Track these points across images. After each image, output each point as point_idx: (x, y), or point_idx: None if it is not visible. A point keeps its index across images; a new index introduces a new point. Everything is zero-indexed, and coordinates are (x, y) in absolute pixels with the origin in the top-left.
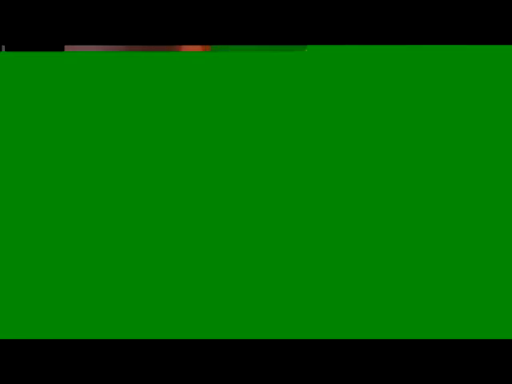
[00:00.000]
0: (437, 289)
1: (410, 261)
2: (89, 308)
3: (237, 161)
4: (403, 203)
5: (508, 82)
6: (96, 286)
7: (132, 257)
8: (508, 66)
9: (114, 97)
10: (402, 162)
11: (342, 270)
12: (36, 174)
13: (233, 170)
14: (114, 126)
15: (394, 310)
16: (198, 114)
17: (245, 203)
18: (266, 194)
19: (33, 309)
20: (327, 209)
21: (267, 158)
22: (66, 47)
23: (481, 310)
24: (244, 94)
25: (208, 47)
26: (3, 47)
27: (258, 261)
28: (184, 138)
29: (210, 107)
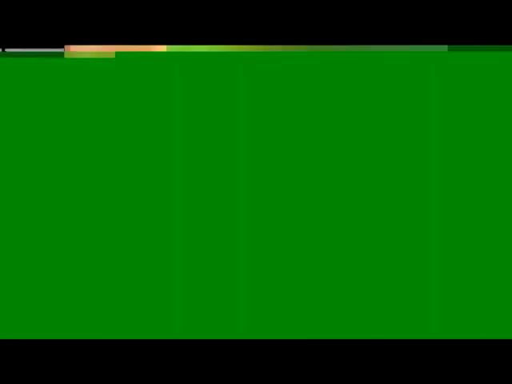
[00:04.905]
0: (437, 289)
1: (411, 261)
2: (89, 308)
3: (235, 162)
4: (403, 204)
5: (506, 87)
6: (96, 287)
7: (132, 257)
8: (507, 72)
9: (112, 100)
10: (402, 164)
11: (342, 270)
12: (35, 176)
13: (231, 171)
14: (112, 128)
15: (394, 309)
16: (196, 116)
17: (244, 204)
18: (265, 195)
19: (33, 309)
20: (327, 210)
21: (266, 159)
22: (66, 47)
23: (481, 310)
24: (241, 95)
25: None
26: (3, 48)
27: (258, 261)
28: (183, 139)
29: (208, 108)
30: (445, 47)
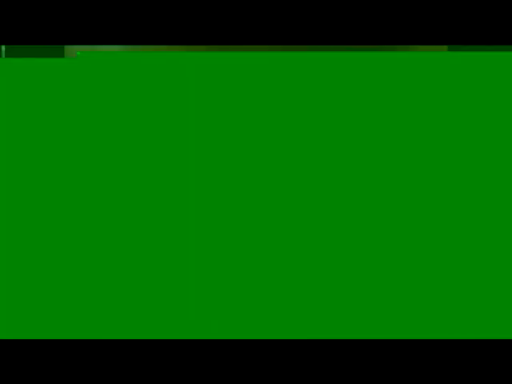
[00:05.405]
0: (437, 289)
1: (410, 261)
2: (89, 308)
3: (234, 163)
4: (402, 204)
5: (506, 87)
6: (96, 287)
7: (132, 256)
8: (507, 72)
9: (112, 100)
10: (402, 164)
11: (342, 269)
12: (35, 176)
13: (231, 172)
14: (111, 128)
15: (394, 309)
16: (198, 115)
17: (243, 204)
18: (264, 195)
19: (33, 309)
20: (326, 209)
21: (265, 160)
22: (66, 47)
23: (481, 310)
24: (240, 96)
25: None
26: (3, 47)
27: (258, 261)
28: (184, 139)
29: (208, 107)
30: (445, 47)
